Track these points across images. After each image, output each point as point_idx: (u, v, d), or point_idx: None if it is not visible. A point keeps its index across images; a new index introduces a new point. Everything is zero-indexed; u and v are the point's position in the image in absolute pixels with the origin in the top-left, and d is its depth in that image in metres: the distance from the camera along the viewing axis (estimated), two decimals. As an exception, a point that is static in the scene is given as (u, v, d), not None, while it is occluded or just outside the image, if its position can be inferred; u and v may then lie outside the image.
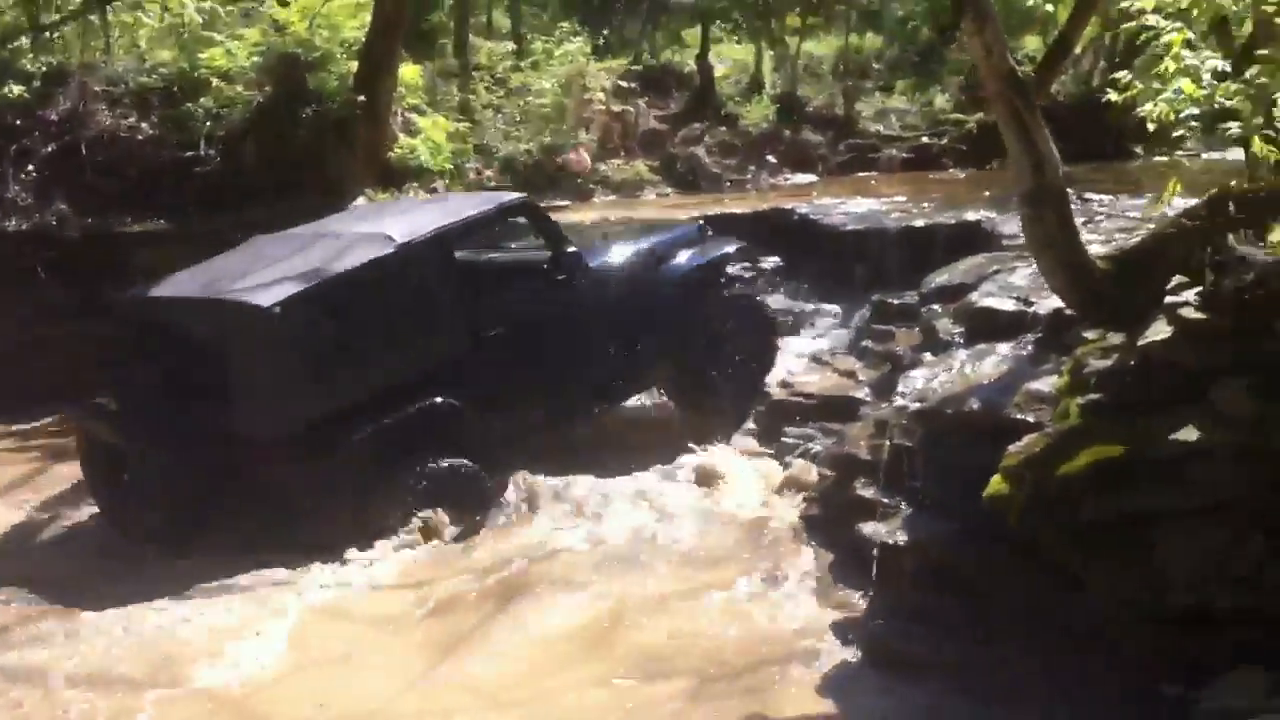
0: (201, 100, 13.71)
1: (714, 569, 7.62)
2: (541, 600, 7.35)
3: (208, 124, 13.57)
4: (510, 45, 17.66)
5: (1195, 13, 5.60)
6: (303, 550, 7.99)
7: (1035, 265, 8.31)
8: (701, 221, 11.34)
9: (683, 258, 10.20)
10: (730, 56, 22.19)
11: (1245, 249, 5.99)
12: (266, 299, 8.02)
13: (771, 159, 18.98)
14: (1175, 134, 5.80)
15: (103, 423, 8.74)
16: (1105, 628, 5.67)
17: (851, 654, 6.46)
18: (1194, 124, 5.67)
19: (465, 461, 8.52)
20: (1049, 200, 6.50)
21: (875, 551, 6.75)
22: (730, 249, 10.68)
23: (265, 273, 8.50)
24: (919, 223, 11.73)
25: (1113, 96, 6.15)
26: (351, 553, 8.01)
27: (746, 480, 8.89)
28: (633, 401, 10.37)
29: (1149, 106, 5.74)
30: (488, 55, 17.18)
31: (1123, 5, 5.91)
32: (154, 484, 8.24)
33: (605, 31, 21.49)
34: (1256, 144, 5.72)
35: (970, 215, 11.65)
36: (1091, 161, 15.58)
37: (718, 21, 22.10)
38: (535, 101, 16.37)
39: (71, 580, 7.95)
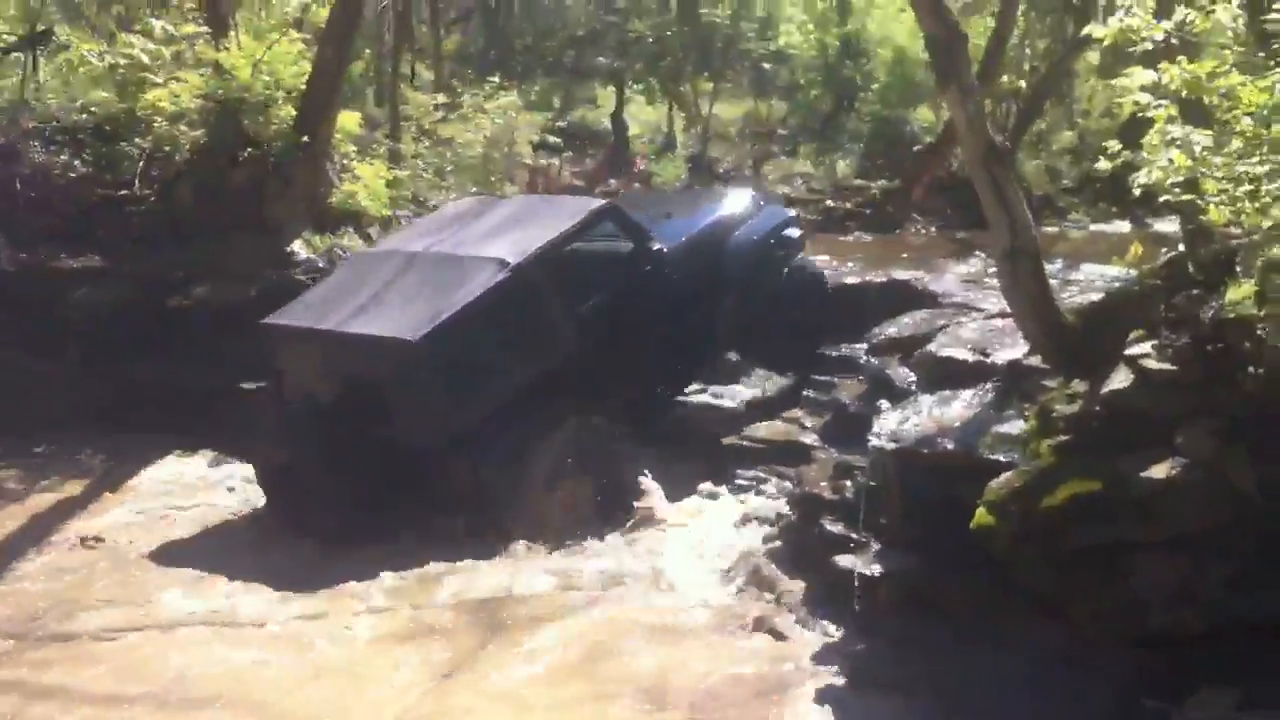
0: (137, 140, 13.73)
1: (695, 604, 7.96)
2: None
3: (141, 163, 13.59)
4: (438, 97, 17.96)
5: (1184, 93, 6.19)
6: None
7: (981, 320, 9.00)
8: (753, 191, 12.10)
9: (747, 229, 10.95)
10: (643, 117, 22.83)
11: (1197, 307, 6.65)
12: (410, 333, 8.81)
13: (685, 217, 19.50)
14: (1161, 199, 6.36)
15: (275, 441, 9.50)
16: (1084, 649, 6.16)
17: (836, 679, 6.85)
18: (1177, 191, 6.24)
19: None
20: (1023, 257, 7.09)
21: (856, 582, 7.16)
22: (788, 215, 11.65)
23: (395, 303, 9.26)
24: (850, 280, 12.27)
25: (1103, 164, 6.72)
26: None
27: (710, 518, 9.26)
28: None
29: (1142, 175, 6.32)
30: (415, 105, 17.47)
31: (1114, 82, 6.47)
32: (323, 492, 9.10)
33: (536, 88, 22.03)
34: (1214, 211, 6.31)
35: (899, 274, 12.22)
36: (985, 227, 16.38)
37: (630, 83, 22.69)
38: (464, 153, 16.70)
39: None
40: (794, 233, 11.55)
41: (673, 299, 10.26)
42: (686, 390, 10.95)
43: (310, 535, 9.03)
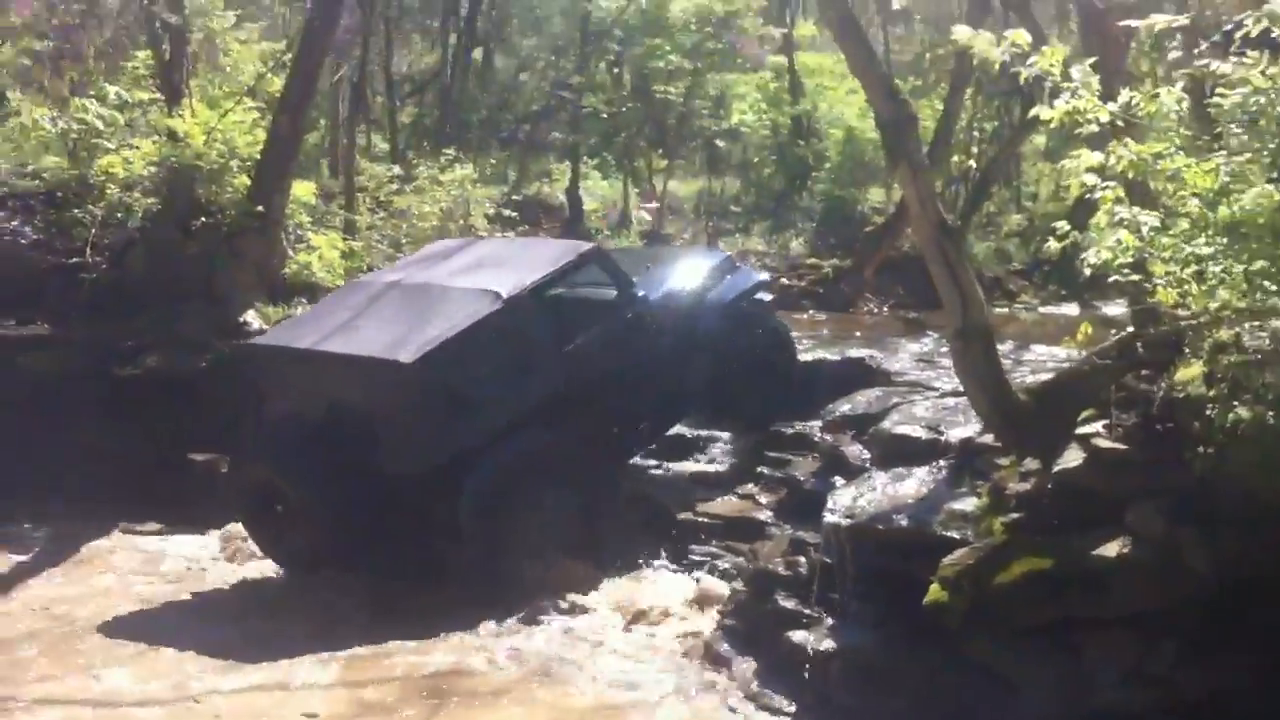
0: (89, 206, 13.66)
1: (646, 680, 7.89)
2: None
3: (93, 230, 13.51)
4: (394, 169, 18.00)
5: (1131, 174, 6.32)
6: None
7: (934, 398, 9.07)
8: (728, 253, 12.27)
9: (722, 287, 11.05)
10: (598, 191, 22.97)
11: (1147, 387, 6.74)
12: (405, 355, 8.82)
13: (640, 292, 19.61)
14: (1110, 279, 6.46)
15: (258, 462, 9.52)
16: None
17: (787, 759, 6.80)
18: (1126, 272, 6.35)
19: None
20: (975, 335, 7.18)
21: (809, 658, 7.13)
22: (760, 278, 11.86)
23: (390, 327, 9.31)
24: (805, 358, 12.33)
25: (1053, 245, 6.82)
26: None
27: (664, 593, 9.19)
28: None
29: (1091, 254, 6.41)
30: (370, 177, 17.51)
31: (1064, 164, 6.58)
32: (304, 514, 9.11)
33: (491, 161, 22.15)
34: (1162, 293, 6.42)
35: (853, 353, 12.29)
36: (937, 308, 16.51)
37: (585, 158, 22.86)
38: (418, 225, 16.71)
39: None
40: (765, 296, 11.80)
41: (651, 348, 10.35)
42: (642, 463, 10.98)
43: (282, 556, 9.30)
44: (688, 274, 11.15)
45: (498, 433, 9.20)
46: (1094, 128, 6.56)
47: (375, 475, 8.93)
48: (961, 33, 6.77)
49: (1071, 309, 18.90)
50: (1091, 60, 6.75)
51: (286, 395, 9.85)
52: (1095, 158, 6.41)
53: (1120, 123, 6.54)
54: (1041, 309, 19.61)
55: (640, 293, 10.37)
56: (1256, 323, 6.15)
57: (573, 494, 9.53)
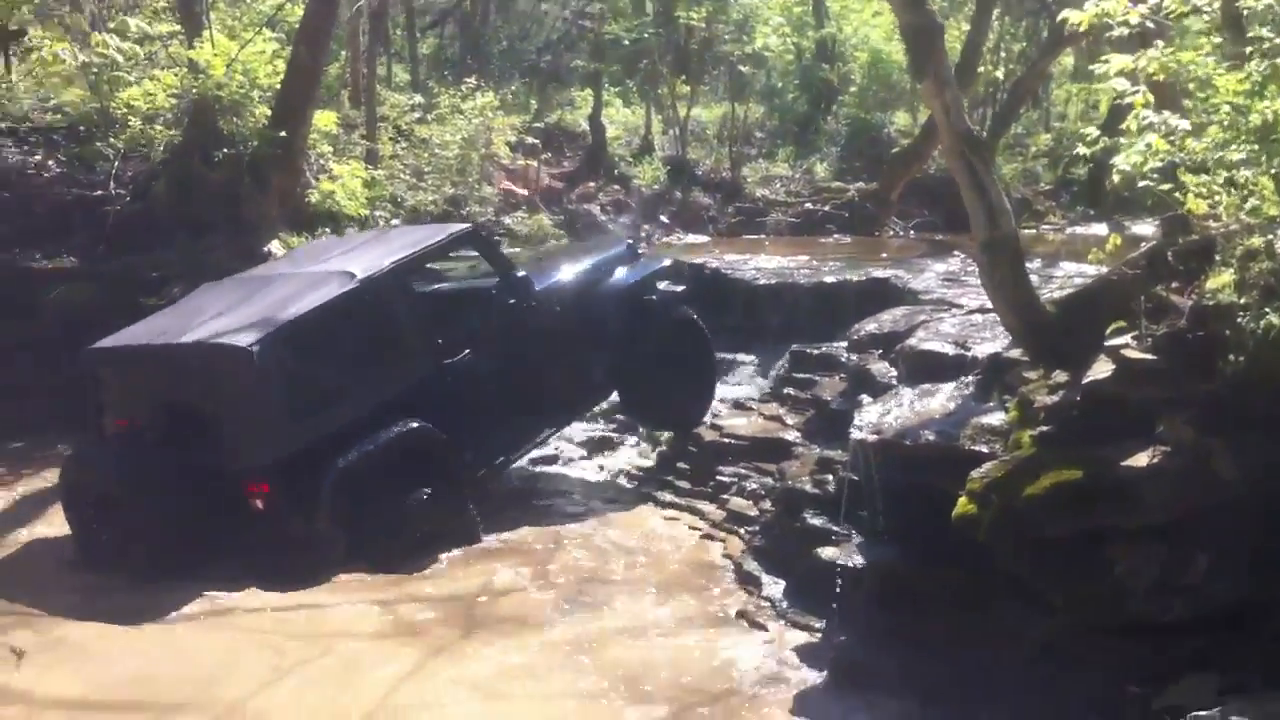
0: (111, 140, 13.67)
1: (675, 599, 7.94)
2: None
3: (116, 162, 13.54)
4: (416, 98, 17.93)
5: (1161, 77, 6.20)
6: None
7: (961, 315, 9.00)
8: (630, 240, 11.72)
9: (620, 274, 10.56)
10: (620, 119, 22.81)
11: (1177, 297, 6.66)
12: (244, 339, 8.28)
13: (664, 218, 19.58)
14: (1140, 184, 6.34)
15: (92, 468, 8.92)
16: (1065, 637, 6.15)
17: (817, 674, 6.87)
18: (1156, 178, 6.24)
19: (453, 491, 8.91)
20: (1003, 248, 7.07)
21: (837, 574, 7.13)
22: (662, 265, 11.24)
23: (232, 316, 8.76)
24: (830, 279, 12.28)
25: (1083, 149, 6.72)
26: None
27: (690, 515, 9.22)
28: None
29: (1120, 160, 6.31)
30: (392, 106, 17.43)
31: (1092, 67, 6.46)
32: (144, 523, 8.44)
33: (512, 90, 22.03)
34: (1192, 202, 6.33)
35: (878, 273, 12.24)
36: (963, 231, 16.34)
37: (608, 85, 22.68)
38: (440, 154, 16.65)
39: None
40: (672, 284, 11.22)
41: (542, 335, 9.88)
42: None
43: (120, 570, 8.44)
44: (580, 260, 10.72)
45: (355, 423, 8.61)
46: (1124, 31, 6.44)
47: (220, 477, 8.30)
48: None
49: (1100, 229, 18.75)
50: (1122, -38, 6.62)
51: (126, 398, 9.25)
52: (1125, 60, 6.28)
53: (1150, 25, 6.42)
54: (1069, 229, 19.48)
55: (523, 275, 9.90)
56: (1288, 229, 6.05)
57: (443, 489, 8.96)
